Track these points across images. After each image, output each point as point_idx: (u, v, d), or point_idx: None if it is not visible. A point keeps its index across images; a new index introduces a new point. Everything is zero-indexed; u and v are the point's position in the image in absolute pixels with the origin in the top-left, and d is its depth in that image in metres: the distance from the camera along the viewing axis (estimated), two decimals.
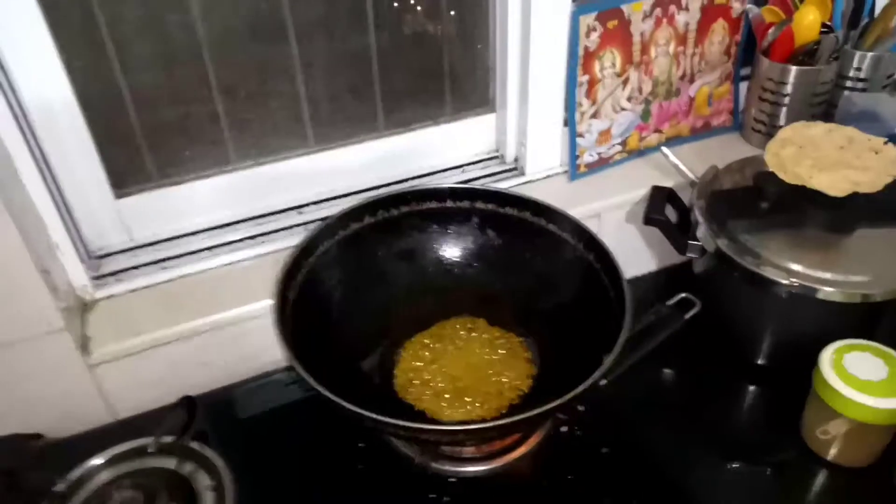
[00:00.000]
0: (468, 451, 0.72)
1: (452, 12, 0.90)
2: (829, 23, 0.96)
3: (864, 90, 0.99)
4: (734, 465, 0.75)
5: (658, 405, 0.82)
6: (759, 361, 0.85)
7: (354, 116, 0.92)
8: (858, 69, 0.98)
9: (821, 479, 0.74)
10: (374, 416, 0.56)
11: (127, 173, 0.83)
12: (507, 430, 0.66)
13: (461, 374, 0.76)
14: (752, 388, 0.85)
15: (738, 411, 0.83)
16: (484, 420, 0.70)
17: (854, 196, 0.77)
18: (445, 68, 0.94)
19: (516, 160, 0.99)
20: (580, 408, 0.73)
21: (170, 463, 0.71)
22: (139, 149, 0.83)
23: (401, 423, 0.57)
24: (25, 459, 0.71)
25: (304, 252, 0.74)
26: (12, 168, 0.70)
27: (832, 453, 0.74)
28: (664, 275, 1.01)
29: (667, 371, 0.86)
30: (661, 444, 0.76)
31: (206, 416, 0.75)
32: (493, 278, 0.84)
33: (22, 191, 0.71)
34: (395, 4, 0.87)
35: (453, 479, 0.71)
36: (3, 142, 0.68)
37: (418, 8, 0.89)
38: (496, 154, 1.01)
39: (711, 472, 0.75)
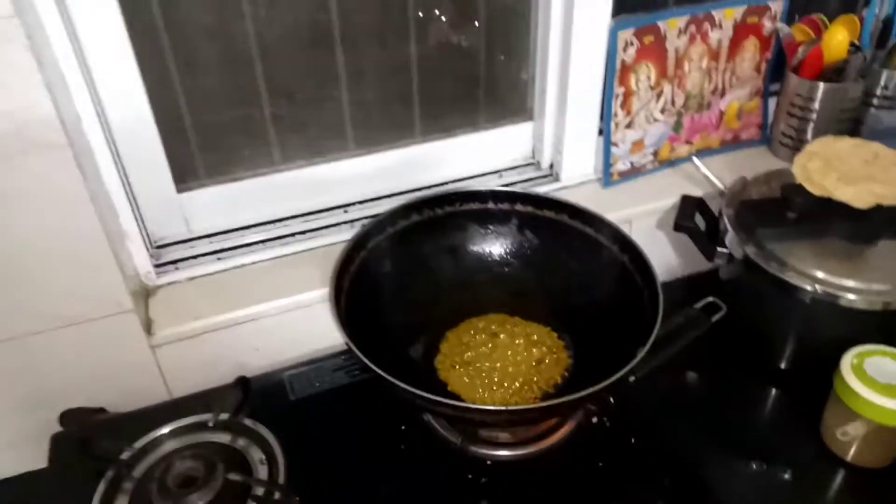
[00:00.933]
0: (504, 436, 0.76)
1: (495, 25, 0.95)
2: (857, 42, 1.00)
3: (890, 108, 1.02)
4: (754, 464, 0.78)
5: (683, 404, 0.85)
6: (782, 365, 0.88)
7: (398, 121, 0.98)
8: (885, 87, 1.02)
9: (840, 479, 0.77)
10: (425, 394, 0.60)
11: (188, 169, 0.89)
12: (544, 413, 0.70)
13: (500, 364, 0.81)
14: (773, 390, 0.88)
15: (760, 412, 0.86)
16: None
17: (878, 208, 0.80)
18: (486, 77, 0.99)
19: (552, 167, 1.04)
20: (611, 399, 0.76)
21: (225, 438, 0.76)
22: (200, 147, 0.89)
23: (449, 401, 0.62)
24: (94, 429, 0.77)
25: (356, 245, 0.79)
26: (95, 163, 0.76)
27: (851, 454, 0.77)
28: (691, 281, 1.05)
29: (692, 373, 0.90)
30: (686, 440, 0.80)
31: (259, 398, 0.80)
32: (530, 276, 0.89)
33: (100, 183, 0.77)
34: (439, 16, 0.92)
35: (490, 462, 0.75)
36: (88, 141, 0.75)
37: (461, 20, 0.94)
38: (532, 160, 1.06)
39: (732, 468, 0.78)
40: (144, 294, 0.85)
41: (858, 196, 0.81)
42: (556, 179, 1.03)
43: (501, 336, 0.84)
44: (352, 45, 0.89)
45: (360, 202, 0.98)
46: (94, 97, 0.76)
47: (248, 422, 0.77)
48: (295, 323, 0.87)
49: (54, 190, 0.68)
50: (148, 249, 0.86)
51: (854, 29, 1.00)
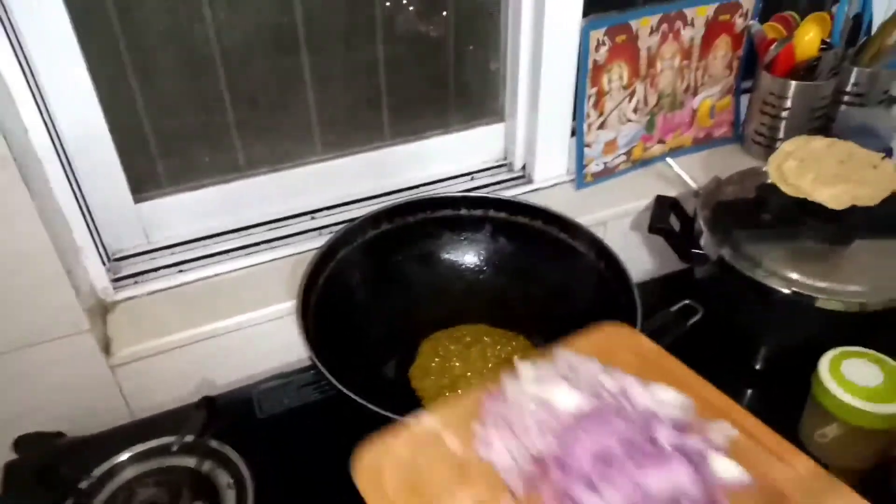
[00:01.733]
0: None
1: (464, 25, 0.93)
2: (828, 40, 0.99)
3: (861, 105, 1.02)
4: None
5: None
6: (759, 367, 0.88)
7: (366, 124, 0.95)
8: (856, 85, 1.02)
9: None
10: (390, 414, 0.58)
11: (146, 178, 0.86)
12: None
13: (474, 375, 0.79)
14: (751, 392, 0.87)
15: None
16: None
17: (853, 209, 0.80)
18: (456, 78, 0.97)
19: (524, 168, 1.02)
20: None
21: (190, 461, 0.73)
22: (158, 155, 0.85)
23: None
24: (50, 456, 0.73)
25: (324, 257, 0.77)
26: (44, 175, 0.72)
27: (830, 457, 0.76)
28: (667, 281, 1.04)
29: None
30: None
31: (225, 417, 0.77)
32: (504, 283, 0.87)
33: (51, 196, 0.73)
34: (407, 16, 0.89)
35: None
36: (36, 153, 0.71)
37: (430, 19, 0.91)
38: (504, 162, 1.04)
39: None
40: (102, 311, 0.81)
41: (834, 197, 0.80)
42: (529, 181, 1.01)
43: (477, 346, 0.82)
44: (317, 47, 0.86)
45: (328, 208, 0.95)
46: (43, 107, 0.72)
47: (214, 443, 0.75)
48: (262, 337, 0.84)
49: None
50: (104, 263, 0.83)
51: (825, 26, 0.99)
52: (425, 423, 0.55)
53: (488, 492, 0.49)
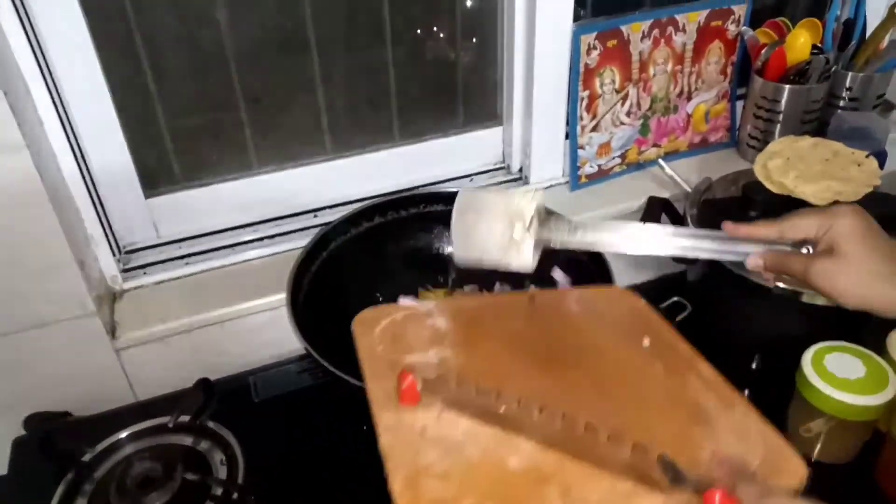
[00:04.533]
0: None
1: (464, 31, 0.97)
2: (819, 44, 1.01)
3: (855, 109, 1.03)
4: None
5: None
6: (748, 364, 0.89)
7: (370, 126, 0.99)
8: (850, 89, 1.03)
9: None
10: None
11: (157, 175, 0.90)
12: None
13: None
14: (740, 389, 0.88)
15: None
16: None
17: (836, 205, 0.81)
18: (456, 84, 1.01)
19: (521, 170, 1.05)
20: None
21: (187, 440, 0.76)
22: (169, 152, 0.90)
23: None
24: (56, 432, 0.77)
25: (317, 247, 0.80)
26: (57, 166, 0.77)
27: (816, 451, 0.77)
28: (662, 282, 1.05)
29: None
30: None
31: (222, 400, 0.80)
32: (494, 278, 0.89)
33: (64, 186, 0.78)
34: (410, 23, 0.93)
35: None
36: (51, 145, 0.76)
37: (432, 26, 0.95)
38: (502, 164, 1.07)
39: None
40: (111, 298, 0.86)
41: (817, 193, 0.81)
42: (526, 183, 1.03)
43: None
44: (326, 50, 0.90)
45: (330, 206, 0.99)
46: (58, 100, 0.77)
47: (210, 424, 0.78)
48: (261, 326, 0.87)
49: (11, 190, 0.69)
50: (115, 254, 0.87)
51: (816, 32, 1.01)
52: (424, 305, 0.66)
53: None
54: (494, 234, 0.55)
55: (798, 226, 0.55)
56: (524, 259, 0.56)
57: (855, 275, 0.52)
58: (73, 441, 0.75)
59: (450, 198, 0.86)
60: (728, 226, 0.59)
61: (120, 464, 0.73)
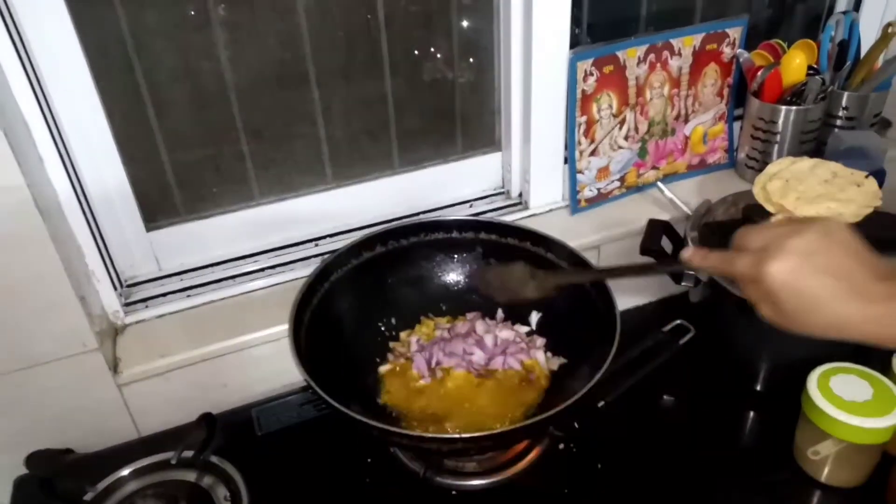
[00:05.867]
0: (470, 465, 0.75)
1: (461, 59, 0.97)
2: (815, 65, 1.02)
3: (852, 128, 1.04)
4: (728, 486, 0.77)
5: (655, 427, 0.85)
6: (754, 386, 0.88)
7: (370, 155, 0.99)
8: (846, 108, 1.03)
9: (814, 500, 0.76)
10: (381, 425, 0.60)
11: (158, 208, 0.90)
12: (501, 440, 0.70)
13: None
14: (746, 411, 0.88)
15: (733, 433, 0.85)
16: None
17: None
18: (455, 111, 1.01)
19: (520, 195, 1.05)
20: (575, 425, 0.76)
21: (190, 476, 0.76)
22: (170, 185, 0.90)
23: (403, 431, 0.61)
24: (58, 471, 0.76)
25: (318, 278, 0.80)
26: (57, 203, 0.77)
27: (824, 474, 0.76)
28: (665, 304, 1.05)
29: (665, 397, 0.89)
30: (657, 464, 0.79)
31: (225, 434, 0.80)
32: (496, 305, 0.89)
33: (64, 222, 0.78)
34: (408, 53, 0.94)
35: (455, 493, 0.75)
36: (50, 179, 0.76)
37: (430, 56, 0.96)
38: (502, 190, 1.07)
39: (705, 491, 0.77)
40: (112, 333, 0.86)
41: (817, 215, 0.81)
42: (526, 208, 1.04)
43: None
44: (325, 82, 0.90)
45: (331, 235, 0.99)
46: (58, 137, 0.77)
47: (214, 459, 0.77)
48: (263, 358, 0.87)
49: (11, 229, 0.69)
50: (116, 289, 0.87)
51: (811, 53, 1.02)
52: None
53: None
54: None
55: (735, 264, 0.53)
56: None
57: (801, 324, 0.50)
58: (76, 479, 0.74)
59: (450, 226, 0.89)
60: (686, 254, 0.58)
61: (124, 502, 0.72)
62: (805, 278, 0.48)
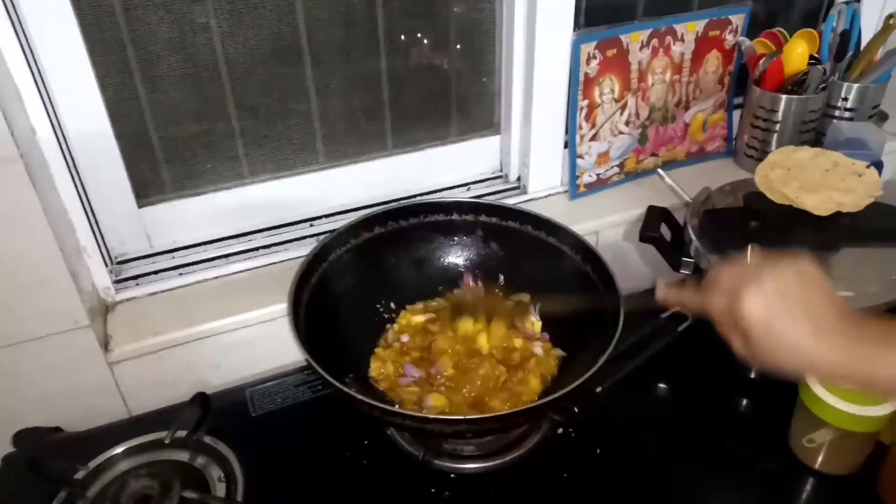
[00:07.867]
0: (469, 449, 0.75)
1: (461, 40, 0.96)
2: (816, 55, 1.01)
3: (851, 119, 1.04)
4: (723, 473, 0.78)
5: (653, 415, 0.85)
6: (752, 375, 0.88)
7: (366, 135, 0.97)
8: (846, 99, 1.03)
9: (808, 487, 0.77)
10: (381, 405, 0.60)
11: (150, 184, 0.88)
12: (500, 423, 0.69)
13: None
14: (742, 399, 0.88)
15: (729, 421, 0.85)
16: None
17: (838, 216, 0.81)
18: (453, 92, 1.00)
19: (519, 179, 1.04)
20: (575, 410, 0.76)
21: (183, 455, 0.75)
22: (162, 162, 0.88)
23: (403, 411, 0.61)
24: (47, 449, 0.75)
25: (317, 258, 0.78)
26: (50, 176, 0.75)
27: (819, 462, 0.77)
28: None
29: (662, 384, 0.89)
30: (653, 450, 0.80)
31: (220, 414, 0.79)
32: (495, 287, 0.88)
33: (56, 197, 0.76)
34: (406, 32, 0.92)
35: (453, 476, 0.74)
36: (43, 153, 0.74)
37: (428, 36, 0.94)
38: (500, 173, 1.06)
39: (701, 478, 0.77)
40: (103, 310, 0.84)
41: (819, 204, 0.81)
42: (524, 192, 1.03)
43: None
44: (320, 59, 0.89)
45: (327, 216, 0.97)
46: (51, 110, 0.75)
47: (207, 439, 0.76)
48: (257, 338, 0.86)
49: (4, 202, 0.67)
50: (107, 265, 0.85)
51: (813, 42, 1.02)
52: None
53: None
54: None
55: (709, 301, 0.54)
56: None
57: (772, 360, 0.51)
58: (65, 458, 0.73)
59: (450, 207, 0.88)
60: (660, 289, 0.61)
61: (115, 482, 0.71)
62: (779, 318, 0.49)
